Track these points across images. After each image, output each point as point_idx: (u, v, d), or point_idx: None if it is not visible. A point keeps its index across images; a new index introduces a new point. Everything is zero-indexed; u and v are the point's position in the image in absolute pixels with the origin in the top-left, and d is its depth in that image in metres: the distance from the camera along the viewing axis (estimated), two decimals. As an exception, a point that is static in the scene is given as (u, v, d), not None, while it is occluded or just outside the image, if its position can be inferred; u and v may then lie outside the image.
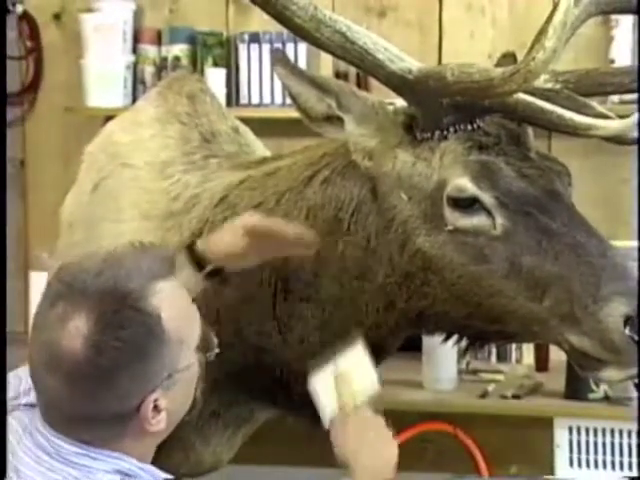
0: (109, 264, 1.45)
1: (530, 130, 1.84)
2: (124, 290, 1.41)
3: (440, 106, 1.75)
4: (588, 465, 3.20)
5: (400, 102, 1.87)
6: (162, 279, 1.46)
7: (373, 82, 2.15)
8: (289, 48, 3.48)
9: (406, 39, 3.56)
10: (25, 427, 1.51)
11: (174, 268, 1.50)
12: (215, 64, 3.68)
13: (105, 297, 1.41)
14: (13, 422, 1.52)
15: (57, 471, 1.44)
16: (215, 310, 2.04)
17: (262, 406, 2.20)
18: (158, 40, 3.79)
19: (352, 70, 3.46)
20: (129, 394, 1.42)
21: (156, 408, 1.44)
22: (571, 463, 3.20)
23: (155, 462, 2.29)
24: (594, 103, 1.90)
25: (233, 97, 3.68)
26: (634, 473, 3.13)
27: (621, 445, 3.17)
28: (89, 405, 1.43)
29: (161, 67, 3.75)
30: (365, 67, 1.78)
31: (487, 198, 1.73)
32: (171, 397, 1.46)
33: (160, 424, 1.46)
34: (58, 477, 1.43)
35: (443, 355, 3.14)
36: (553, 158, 1.85)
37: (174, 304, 1.46)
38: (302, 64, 3.41)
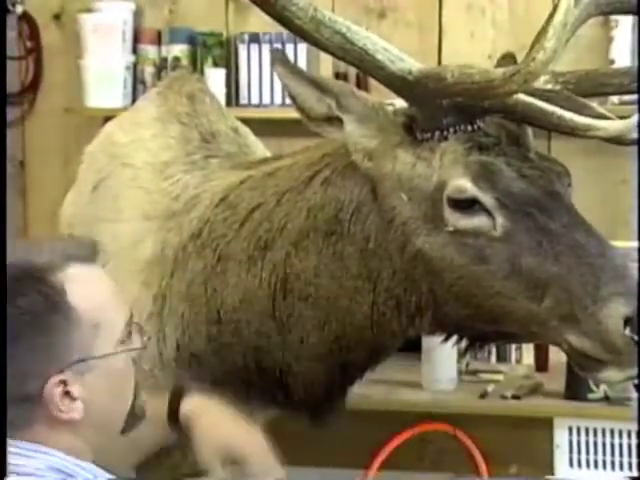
0: (31, 245, 1.48)
1: (530, 131, 1.84)
2: (31, 263, 1.42)
3: (440, 107, 1.75)
4: (588, 465, 3.20)
5: (400, 103, 1.87)
6: (77, 262, 1.44)
7: (373, 82, 2.15)
8: (289, 48, 3.48)
9: (406, 40, 3.56)
10: None
11: (95, 256, 1.49)
12: (215, 64, 3.69)
13: (13, 268, 1.41)
14: None
15: None
16: (215, 310, 2.04)
17: (261, 406, 2.20)
18: (158, 40, 3.79)
19: (352, 70, 3.46)
20: (31, 370, 1.39)
21: (68, 394, 1.40)
22: (571, 463, 3.20)
23: (154, 461, 2.30)
24: (594, 104, 1.90)
25: (233, 97, 3.68)
26: (634, 473, 3.13)
27: (621, 445, 3.18)
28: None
29: (161, 67, 3.75)
30: (365, 68, 1.78)
31: (487, 199, 1.73)
32: (88, 386, 1.42)
33: (73, 412, 1.41)
34: None
35: (443, 355, 3.14)
36: (553, 159, 1.85)
37: (88, 286, 1.44)
38: (302, 64, 3.40)
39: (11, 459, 1.39)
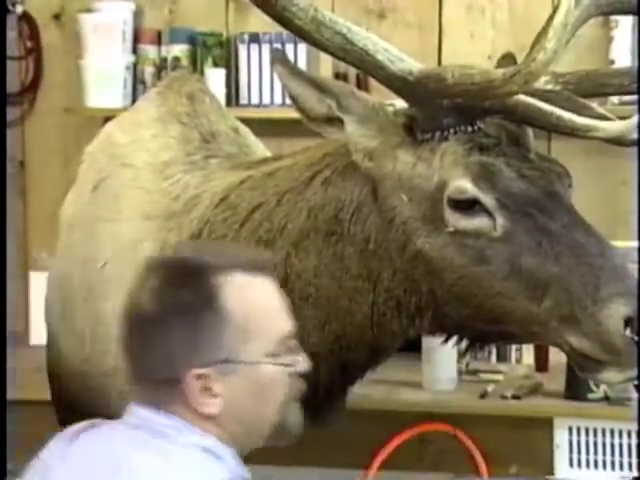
0: (199, 245, 1.61)
1: (530, 131, 1.84)
2: (196, 261, 1.50)
3: (440, 107, 1.76)
4: (588, 465, 3.20)
5: (400, 103, 1.87)
6: (242, 271, 1.50)
7: (373, 83, 2.16)
8: (289, 48, 3.47)
9: (406, 40, 3.56)
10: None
11: (264, 271, 1.54)
12: (215, 64, 3.68)
13: (178, 263, 1.51)
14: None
15: (144, 443, 1.47)
16: (215, 310, 2.04)
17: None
18: (158, 40, 3.79)
19: (352, 71, 3.46)
20: (175, 357, 1.45)
21: (208, 390, 1.45)
22: (571, 463, 3.20)
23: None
24: (594, 104, 1.90)
25: (233, 97, 3.68)
26: (634, 473, 3.13)
27: (621, 445, 3.17)
28: (144, 360, 1.48)
29: (161, 67, 3.75)
30: (365, 68, 1.78)
31: (488, 199, 1.73)
32: (229, 387, 1.46)
33: (210, 407, 1.46)
34: (142, 447, 1.46)
35: (443, 355, 3.14)
36: (553, 159, 1.85)
37: (247, 293, 1.49)
38: (302, 65, 3.40)
39: (161, 428, 1.46)
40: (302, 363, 1.54)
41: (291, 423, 1.54)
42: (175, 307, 1.46)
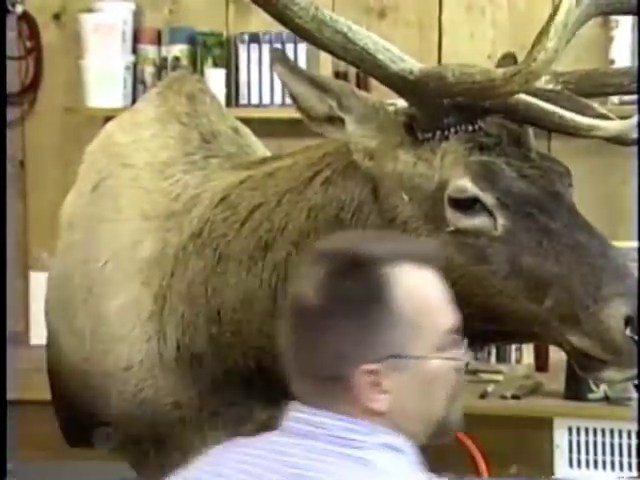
0: (363, 235, 1.52)
1: (531, 131, 1.84)
2: (364, 253, 1.42)
3: (441, 107, 1.75)
4: (588, 465, 3.20)
5: (401, 102, 1.87)
6: (410, 262, 1.43)
7: (373, 82, 2.16)
8: (289, 48, 3.48)
9: (406, 39, 3.56)
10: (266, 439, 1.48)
11: (431, 262, 1.46)
12: (215, 64, 3.69)
13: (345, 255, 1.43)
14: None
15: (328, 454, 1.39)
16: (215, 310, 2.04)
17: (262, 406, 2.20)
18: (158, 40, 3.79)
19: (352, 70, 3.46)
20: (344, 353, 1.39)
21: (377, 386, 1.39)
22: (571, 463, 3.20)
23: (154, 461, 2.29)
24: (595, 104, 1.90)
25: (233, 97, 3.68)
26: (634, 473, 3.13)
27: (621, 445, 3.18)
28: (308, 356, 1.41)
29: (161, 67, 3.75)
30: (366, 67, 1.78)
31: (488, 199, 1.73)
32: (398, 383, 1.40)
33: (378, 404, 1.39)
34: (331, 459, 1.38)
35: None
36: (554, 159, 1.85)
37: (417, 286, 1.42)
38: (302, 64, 3.40)
39: (344, 433, 1.39)
40: (465, 357, 1.49)
41: (453, 420, 1.48)
42: (344, 300, 1.39)
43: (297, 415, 1.42)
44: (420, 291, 1.42)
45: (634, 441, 3.15)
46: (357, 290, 1.39)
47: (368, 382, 1.38)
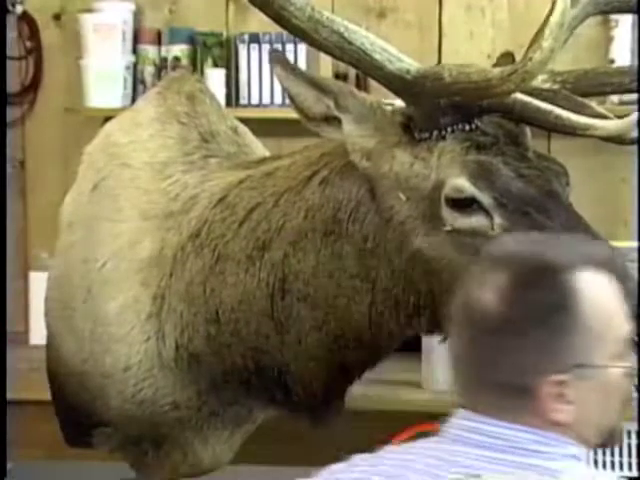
0: (541, 239, 1.45)
1: (528, 130, 1.84)
2: (549, 259, 1.38)
3: (438, 106, 1.75)
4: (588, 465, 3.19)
5: (398, 102, 1.87)
6: (592, 268, 1.39)
7: (373, 83, 2.15)
8: (289, 49, 3.48)
9: (406, 40, 3.56)
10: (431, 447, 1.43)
11: (608, 267, 1.42)
12: (215, 64, 3.68)
13: (528, 261, 1.38)
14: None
15: (507, 464, 1.36)
16: (214, 310, 2.04)
17: (261, 406, 2.21)
18: (158, 40, 3.79)
19: (352, 71, 3.45)
20: (529, 363, 1.35)
21: (561, 397, 1.35)
22: (571, 463, 3.19)
23: (154, 461, 2.30)
24: (593, 103, 1.90)
25: (233, 97, 3.68)
26: (634, 473, 3.13)
27: (621, 445, 3.17)
28: (489, 365, 1.37)
29: (161, 67, 3.75)
30: (363, 67, 1.78)
31: (485, 198, 1.73)
32: (581, 392, 1.37)
33: (563, 415, 1.36)
34: (509, 469, 1.35)
35: (442, 355, 3.13)
36: (551, 158, 1.85)
37: (600, 294, 1.38)
38: (302, 65, 3.40)
39: (530, 445, 1.36)
40: (635, 363, 1.45)
41: (620, 426, 1.46)
42: (529, 309, 1.34)
43: (471, 425, 1.39)
44: (603, 297, 1.39)
45: (634, 441, 3.14)
46: (544, 298, 1.35)
47: (554, 393, 1.35)
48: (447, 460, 1.37)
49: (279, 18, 1.73)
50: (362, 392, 2.30)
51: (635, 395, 3.01)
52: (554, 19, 1.57)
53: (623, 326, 1.41)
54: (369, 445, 3.17)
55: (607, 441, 1.46)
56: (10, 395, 2.54)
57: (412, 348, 2.86)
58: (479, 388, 1.39)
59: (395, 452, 1.45)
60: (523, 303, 1.35)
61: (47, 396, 2.47)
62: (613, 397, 1.41)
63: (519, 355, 1.35)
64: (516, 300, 1.35)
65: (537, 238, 1.48)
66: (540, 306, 1.35)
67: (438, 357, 3.15)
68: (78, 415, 2.33)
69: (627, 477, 3.13)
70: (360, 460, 1.47)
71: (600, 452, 3.18)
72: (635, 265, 2.12)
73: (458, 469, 1.35)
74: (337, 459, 1.75)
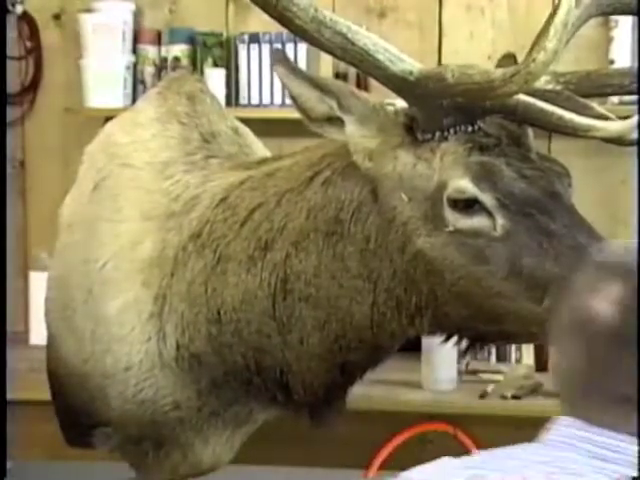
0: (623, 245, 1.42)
1: (530, 131, 1.84)
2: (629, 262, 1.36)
3: (440, 107, 1.76)
4: (588, 465, 3.19)
5: (400, 103, 1.87)
6: None
7: (373, 83, 2.15)
8: (289, 48, 3.47)
9: (406, 40, 3.56)
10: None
11: None
12: (215, 64, 3.68)
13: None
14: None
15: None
16: (215, 310, 2.04)
17: (261, 406, 2.21)
18: (158, 40, 3.79)
19: (352, 71, 3.46)
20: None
21: None
22: (571, 463, 3.19)
23: (154, 461, 2.30)
24: (594, 104, 1.90)
25: (233, 97, 3.67)
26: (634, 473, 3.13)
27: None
28: (602, 376, 1.35)
29: (161, 67, 3.74)
30: (365, 68, 1.78)
31: (488, 199, 1.73)
32: None
33: None
34: None
35: (443, 355, 3.14)
36: (553, 159, 1.85)
37: None
38: (302, 65, 3.40)
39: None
40: None
41: None
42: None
43: (579, 434, 1.37)
44: None
45: (634, 441, 3.14)
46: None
47: None
48: (561, 467, 1.36)
49: (282, 19, 1.73)
50: (362, 392, 2.30)
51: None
52: (559, 19, 1.57)
53: None
54: (369, 445, 3.19)
55: None
56: (10, 395, 2.54)
57: (412, 348, 2.86)
58: (593, 398, 1.36)
59: (498, 453, 1.43)
60: (638, 313, 1.32)
61: (47, 396, 2.46)
62: None
63: (635, 366, 1.32)
64: (632, 310, 1.32)
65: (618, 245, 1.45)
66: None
67: (438, 357, 3.15)
68: (78, 415, 2.33)
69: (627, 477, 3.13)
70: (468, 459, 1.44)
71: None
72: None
73: (568, 476, 1.34)
74: (337, 459, 1.76)
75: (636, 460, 1.34)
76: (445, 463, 1.46)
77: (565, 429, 1.39)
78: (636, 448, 1.34)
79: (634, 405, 1.33)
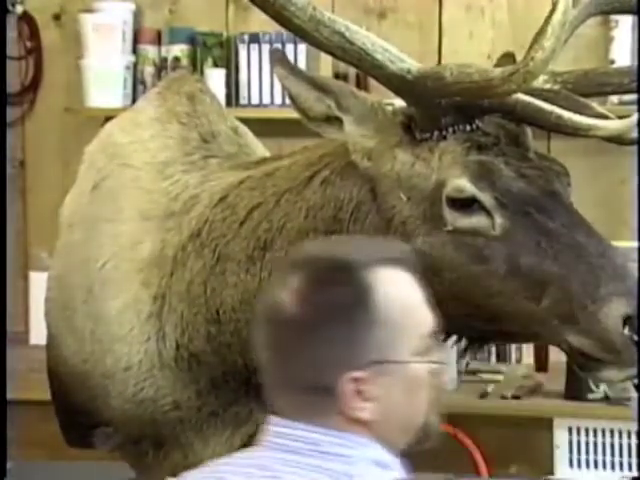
0: (337, 241, 1.50)
1: (529, 130, 1.84)
2: (341, 258, 1.39)
3: (439, 106, 1.75)
4: (588, 465, 3.20)
5: (399, 102, 1.87)
6: (387, 265, 1.40)
7: (373, 83, 2.15)
8: (289, 49, 3.48)
9: (406, 40, 3.56)
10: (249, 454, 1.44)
11: (406, 264, 1.43)
12: (215, 64, 3.69)
13: (322, 261, 1.40)
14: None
15: (314, 469, 1.35)
16: (214, 310, 2.04)
17: (261, 406, 2.20)
18: (158, 40, 3.79)
19: (352, 71, 3.46)
20: (329, 361, 1.35)
21: (360, 393, 1.35)
22: (571, 463, 3.20)
23: (154, 462, 2.29)
24: (593, 103, 1.90)
25: (233, 97, 3.68)
26: (634, 473, 3.13)
27: (621, 445, 3.17)
28: (290, 367, 1.37)
29: (161, 67, 3.75)
30: (364, 67, 1.78)
31: (486, 198, 1.73)
32: (381, 389, 1.36)
33: (365, 412, 1.35)
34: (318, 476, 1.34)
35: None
36: (552, 158, 1.85)
37: (397, 289, 1.39)
38: (302, 65, 3.41)
39: (332, 448, 1.36)
40: (443, 359, 1.47)
41: (432, 423, 1.47)
42: (327, 307, 1.35)
43: (279, 430, 1.38)
44: (401, 294, 1.40)
45: (634, 441, 3.15)
46: (340, 296, 1.36)
47: (353, 390, 1.34)
48: (258, 466, 1.37)
49: (280, 18, 1.72)
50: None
51: (636, 396, 3.01)
52: (556, 18, 1.57)
53: (427, 322, 1.42)
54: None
55: (422, 439, 1.46)
56: (10, 395, 2.54)
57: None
58: (284, 390, 1.38)
59: (215, 464, 1.46)
60: (316, 301, 1.36)
61: (47, 396, 2.46)
62: (418, 393, 1.41)
63: (318, 354, 1.35)
64: (310, 299, 1.36)
65: (336, 240, 1.53)
66: (337, 303, 1.35)
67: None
68: (78, 415, 2.33)
69: (627, 477, 3.14)
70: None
71: (600, 452, 3.18)
72: (635, 265, 2.12)
73: (264, 472, 1.35)
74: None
75: (334, 449, 1.34)
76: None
77: (268, 427, 1.40)
78: (329, 439, 1.35)
79: (322, 393, 1.35)
